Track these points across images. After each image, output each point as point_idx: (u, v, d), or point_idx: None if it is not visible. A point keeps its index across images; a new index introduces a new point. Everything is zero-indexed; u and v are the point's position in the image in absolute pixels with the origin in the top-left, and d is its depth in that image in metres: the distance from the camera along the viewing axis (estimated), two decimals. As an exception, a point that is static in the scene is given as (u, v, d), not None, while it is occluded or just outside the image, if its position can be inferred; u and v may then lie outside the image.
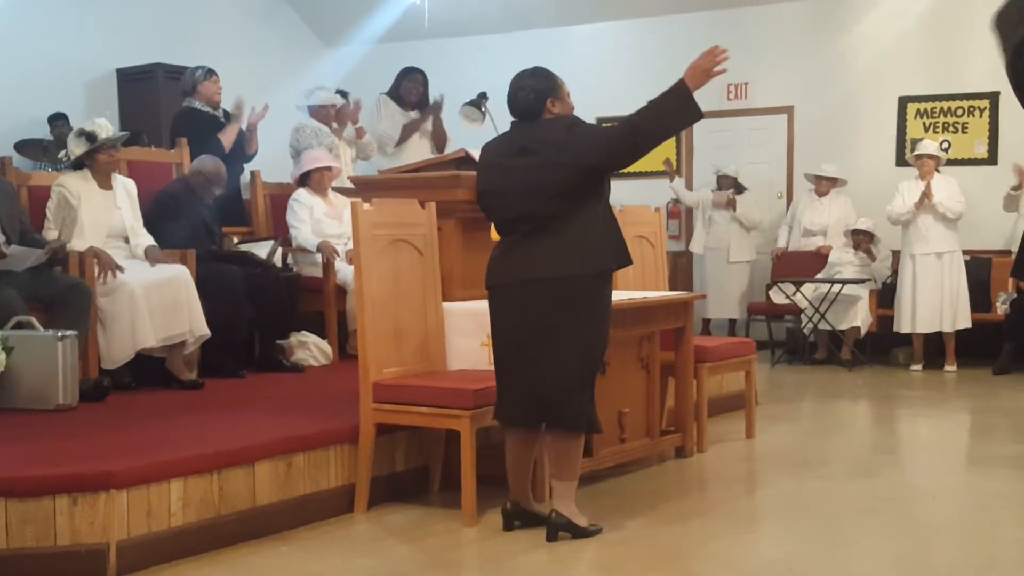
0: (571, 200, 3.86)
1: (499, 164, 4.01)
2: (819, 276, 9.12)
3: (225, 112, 7.34)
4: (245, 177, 7.42)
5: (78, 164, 5.72)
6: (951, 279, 8.57)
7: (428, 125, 8.14)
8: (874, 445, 6.29)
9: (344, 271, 6.51)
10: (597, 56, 10.86)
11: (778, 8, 10.23)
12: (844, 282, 8.79)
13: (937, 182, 8.62)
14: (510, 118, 4.08)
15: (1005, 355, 8.50)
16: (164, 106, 9.76)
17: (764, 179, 10.36)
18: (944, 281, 8.55)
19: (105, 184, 5.74)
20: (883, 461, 5.68)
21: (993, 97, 9.38)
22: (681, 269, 10.30)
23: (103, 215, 5.68)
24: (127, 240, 5.76)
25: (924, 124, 9.74)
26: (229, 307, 5.92)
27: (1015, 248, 8.82)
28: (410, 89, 8.07)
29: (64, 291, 5.30)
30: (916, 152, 8.79)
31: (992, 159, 9.44)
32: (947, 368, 8.66)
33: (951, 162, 9.21)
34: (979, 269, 8.89)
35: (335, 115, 7.65)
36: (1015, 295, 8.55)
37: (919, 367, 8.76)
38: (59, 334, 4.94)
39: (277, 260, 6.61)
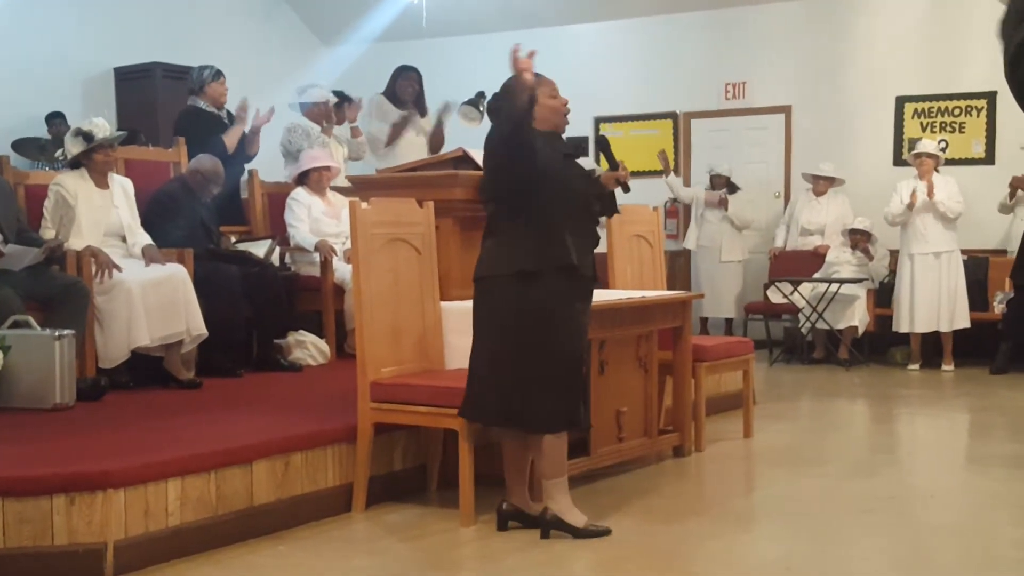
0: (502, 202, 3.99)
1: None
2: (817, 276, 9.13)
3: (229, 113, 7.33)
4: (246, 177, 7.42)
5: (75, 163, 5.72)
6: (949, 279, 8.58)
7: (424, 124, 8.13)
8: (872, 444, 6.29)
9: (342, 270, 6.50)
10: (596, 55, 10.86)
11: (776, 8, 10.24)
12: (842, 281, 8.80)
13: (936, 181, 8.62)
14: None
15: (1002, 355, 8.51)
16: (162, 105, 9.77)
17: (761, 178, 10.37)
18: (942, 281, 8.56)
19: (102, 183, 5.73)
20: (881, 460, 5.69)
21: (990, 97, 9.39)
22: (679, 268, 10.30)
23: (100, 214, 5.67)
24: (124, 239, 5.75)
25: (921, 124, 9.75)
26: (227, 306, 5.92)
27: (1012, 248, 8.84)
28: (405, 87, 8.06)
29: (61, 290, 5.29)
30: (915, 151, 8.79)
31: (989, 159, 9.46)
32: (944, 368, 8.67)
33: (948, 162, 9.22)
34: (976, 269, 8.90)
35: (328, 113, 7.63)
36: (1012, 295, 8.55)
37: (916, 367, 8.76)
38: (56, 333, 4.93)
39: (275, 259, 6.61)
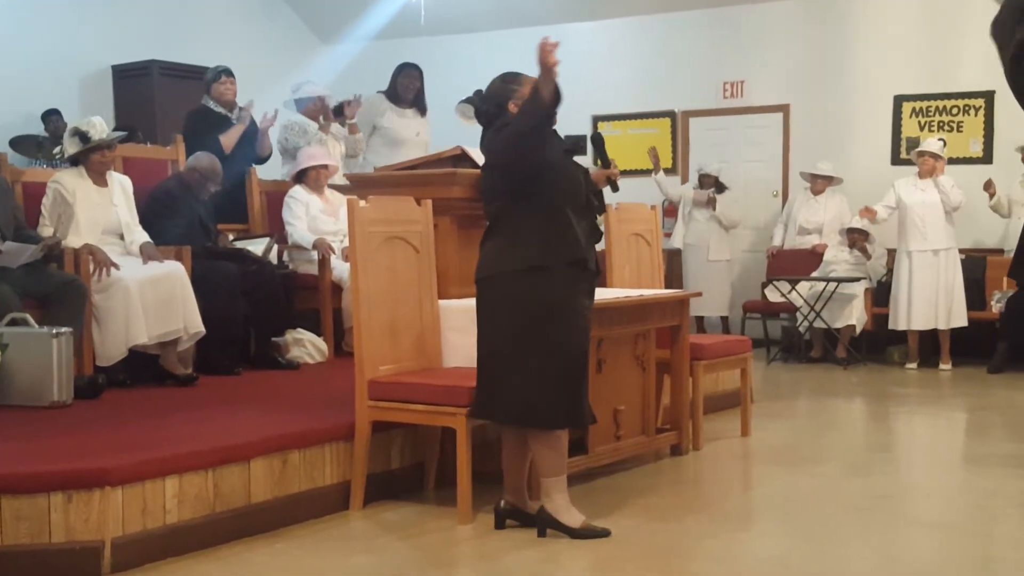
0: (510, 200, 3.97)
1: (482, 167, 4.21)
2: (814, 274, 9.13)
3: (240, 111, 7.34)
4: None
5: (75, 160, 5.72)
6: (947, 276, 8.57)
7: (424, 125, 8.15)
8: (869, 443, 6.30)
9: (340, 268, 6.50)
10: (593, 54, 10.86)
11: (774, 6, 10.24)
12: (839, 280, 8.80)
13: (935, 180, 8.61)
14: None
15: (1000, 354, 8.52)
16: (160, 103, 9.77)
17: (759, 177, 10.38)
18: (940, 278, 8.56)
19: (101, 181, 5.73)
20: (878, 459, 5.69)
21: (988, 96, 9.40)
22: (677, 267, 10.30)
23: (99, 212, 5.67)
24: (122, 237, 5.75)
25: (919, 123, 9.76)
26: (224, 304, 5.92)
27: (1008, 247, 8.85)
28: (406, 85, 8.08)
29: (59, 288, 5.29)
30: (919, 149, 8.77)
31: (987, 158, 9.46)
32: (942, 367, 8.67)
33: (947, 161, 9.21)
34: (974, 268, 8.90)
35: (325, 110, 7.64)
36: (1010, 294, 8.55)
37: (914, 365, 8.77)
38: (54, 331, 4.93)
39: (273, 257, 6.61)
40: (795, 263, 9.47)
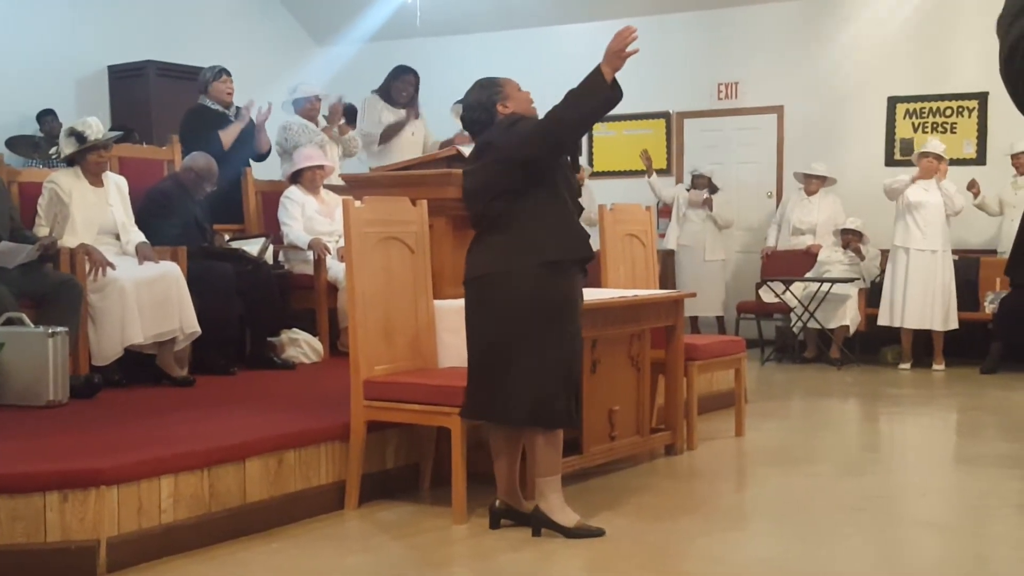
0: (515, 197, 3.93)
1: (467, 170, 4.16)
2: (808, 275, 9.15)
3: (238, 110, 7.34)
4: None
5: (71, 161, 5.72)
6: (944, 277, 8.58)
7: (420, 127, 8.17)
8: (862, 443, 6.32)
9: (335, 268, 6.52)
10: (589, 55, 10.68)
11: (768, 8, 10.26)
12: (833, 281, 8.82)
13: (936, 180, 8.63)
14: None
15: (993, 354, 8.54)
16: (155, 103, 9.77)
17: (754, 178, 10.40)
18: (937, 279, 8.56)
19: (97, 181, 5.73)
20: (871, 459, 5.71)
21: (982, 97, 9.42)
22: (671, 267, 10.32)
23: (95, 212, 5.67)
24: (118, 237, 5.75)
25: (913, 124, 9.78)
26: (220, 304, 5.93)
27: (1002, 248, 8.88)
28: (400, 89, 8.08)
29: (54, 287, 5.30)
30: (922, 150, 8.77)
31: (981, 159, 9.48)
32: (935, 367, 8.69)
33: (940, 162, 9.25)
34: (967, 268, 8.92)
35: (320, 108, 7.66)
36: (1003, 294, 8.58)
37: (907, 366, 8.79)
38: (50, 331, 4.93)
39: (268, 257, 6.62)
40: (789, 264, 9.49)
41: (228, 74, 7.30)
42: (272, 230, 6.95)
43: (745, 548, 4.09)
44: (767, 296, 9.48)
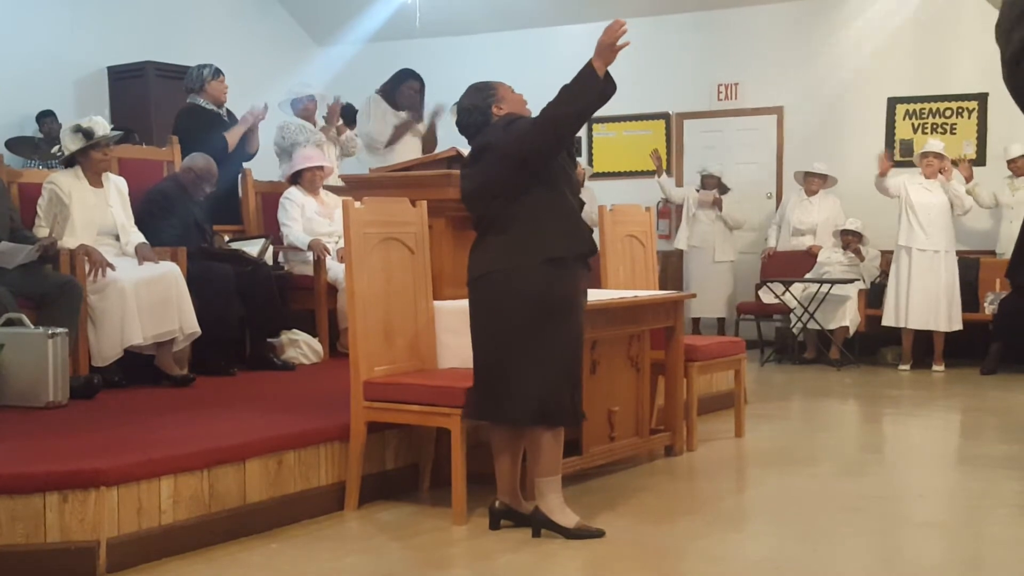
0: (516, 196, 3.93)
1: (465, 172, 4.16)
2: (808, 276, 9.16)
3: (230, 111, 7.33)
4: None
5: (70, 162, 5.72)
6: (948, 277, 8.56)
7: (421, 127, 8.16)
8: (862, 444, 6.32)
9: (335, 269, 6.52)
10: (587, 56, 10.82)
11: (768, 9, 10.27)
12: (833, 282, 8.82)
13: (941, 182, 8.64)
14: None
15: (992, 355, 8.54)
16: (155, 104, 9.77)
17: (753, 179, 10.40)
18: (942, 279, 8.55)
19: (97, 182, 5.74)
20: (870, 460, 5.71)
21: (982, 98, 9.43)
22: (671, 268, 10.32)
23: (94, 213, 5.68)
24: (118, 238, 5.75)
25: (913, 125, 9.79)
26: (220, 305, 5.93)
27: (1001, 250, 8.89)
28: (405, 94, 8.02)
29: (54, 288, 5.30)
30: (923, 150, 8.78)
31: (981, 160, 9.49)
32: (935, 368, 8.69)
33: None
34: (967, 269, 8.92)
35: (316, 109, 7.65)
36: (1003, 295, 8.59)
37: (907, 367, 8.79)
38: (50, 331, 4.93)
39: (268, 258, 6.62)
40: (789, 264, 9.49)
41: (223, 74, 7.29)
42: (272, 231, 6.95)
43: (745, 549, 4.09)
44: (767, 297, 9.49)
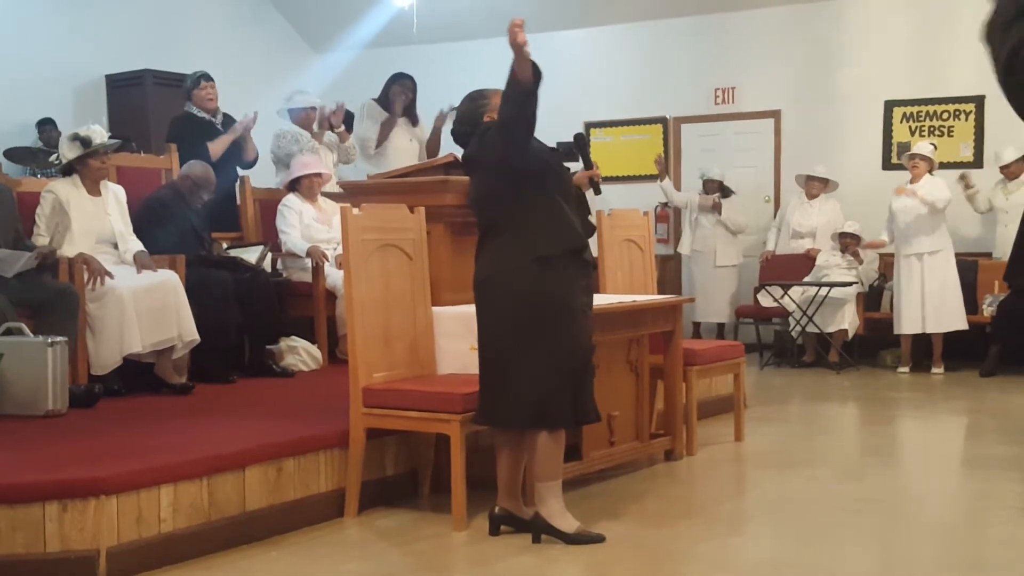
0: (508, 202, 3.98)
1: (470, 181, 4.22)
2: (807, 279, 9.16)
3: (228, 117, 7.33)
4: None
5: (68, 170, 5.72)
6: (936, 279, 8.53)
7: (420, 132, 8.18)
8: (862, 447, 6.32)
9: (333, 276, 6.52)
10: (585, 61, 10.89)
11: (765, 13, 10.28)
12: (831, 285, 8.82)
13: (924, 184, 8.64)
14: None
15: (992, 357, 8.53)
16: (153, 112, 9.76)
17: (751, 183, 10.39)
18: (927, 282, 8.53)
19: (95, 191, 5.74)
20: (870, 463, 5.71)
21: (979, 101, 9.44)
22: (669, 272, 10.32)
23: (92, 221, 5.68)
24: (116, 246, 5.75)
25: (910, 128, 9.79)
26: (218, 312, 5.93)
27: (997, 254, 8.89)
28: (398, 94, 8.09)
29: (52, 297, 5.30)
30: (909, 153, 8.80)
31: (978, 162, 9.49)
32: (934, 370, 8.69)
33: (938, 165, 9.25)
34: (965, 271, 8.90)
35: (316, 118, 7.65)
36: (1002, 297, 8.58)
37: (906, 369, 8.78)
38: (49, 340, 4.93)
39: (267, 265, 6.62)
40: (788, 268, 9.49)
41: (209, 79, 7.25)
42: (270, 238, 6.95)
43: (745, 552, 4.09)
44: (765, 300, 9.48)
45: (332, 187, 7.08)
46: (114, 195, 5.83)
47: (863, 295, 9.19)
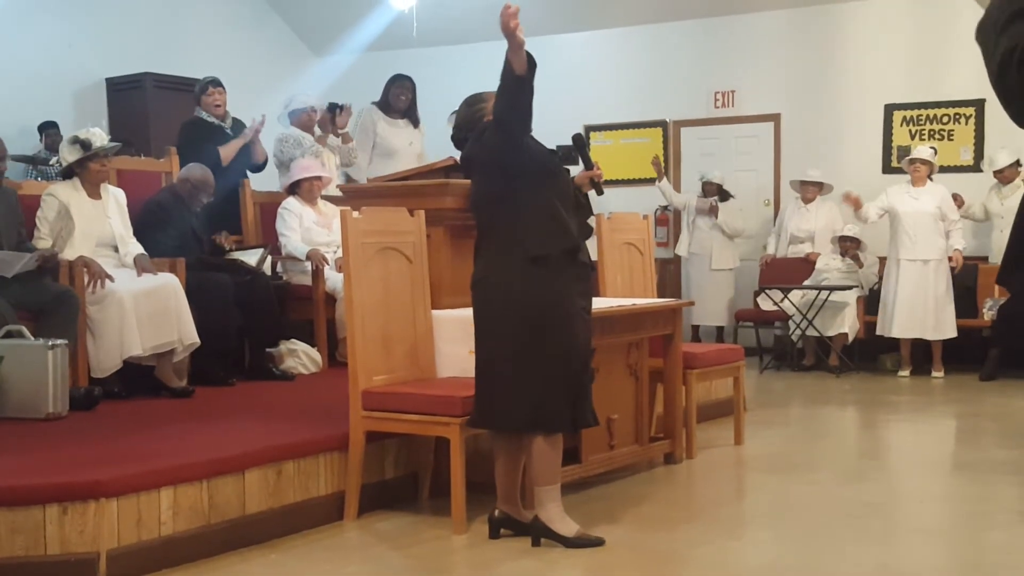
0: (503, 204, 3.98)
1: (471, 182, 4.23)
2: (806, 283, 9.16)
3: (238, 121, 7.34)
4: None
5: (68, 173, 5.73)
6: (937, 286, 8.53)
7: (421, 134, 8.20)
8: (861, 450, 6.32)
9: (333, 279, 6.52)
10: (585, 64, 10.90)
11: (765, 17, 10.29)
12: (831, 288, 8.83)
13: (929, 189, 8.65)
14: None
15: (992, 361, 8.53)
16: (153, 115, 9.79)
17: (751, 186, 10.41)
18: (929, 288, 8.54)
19: (95, 193, 5.74)
20: (870, 466, 5.71)
21: (978, 104, 9.44)
22: (669, 276, 10.33)
23: (93, 224, 5.68)
24: (116, 249, 5.76)
25: (910, 131, 9.80)
26: (219, 315, 5.93)
27: (993, 258, 8.89)
28: (398, 95, 8.11)
29: (52, 300, 5.30)
30: (910, 156, 8.81)
31: (977, 166, 9.50)
32: (934, 374, 8.69)
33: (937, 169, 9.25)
34: (965, 276, 8.91)
35: (317, 120, 7.66)
36: (1002, 301, 8.58)
37: (906, 373, 8.78)
38: (49, 343, 4.94)
39: (266, 268, 6.62)
40: (788, 271, 9.49)
41: (218, 85, 7.27)
42: (270, 241, 6.95)
43: (744, 556, 4.09)
44: (765, 304, 9.48)
45: (334, 189, 7.09)
46: (114, 198, 5.83)
47: (863, 298, 9.18)
